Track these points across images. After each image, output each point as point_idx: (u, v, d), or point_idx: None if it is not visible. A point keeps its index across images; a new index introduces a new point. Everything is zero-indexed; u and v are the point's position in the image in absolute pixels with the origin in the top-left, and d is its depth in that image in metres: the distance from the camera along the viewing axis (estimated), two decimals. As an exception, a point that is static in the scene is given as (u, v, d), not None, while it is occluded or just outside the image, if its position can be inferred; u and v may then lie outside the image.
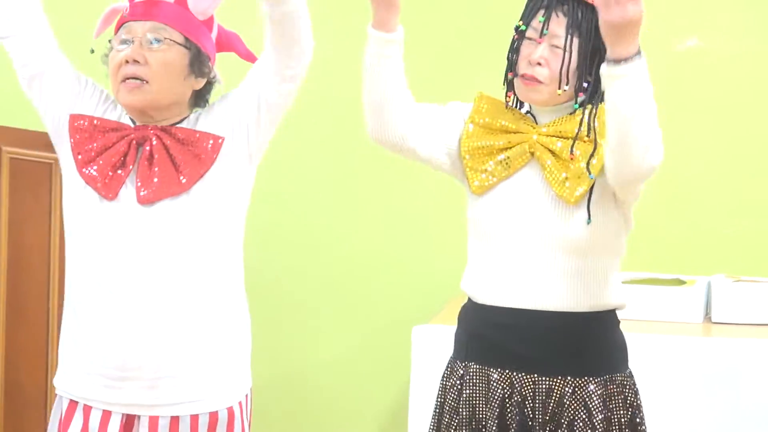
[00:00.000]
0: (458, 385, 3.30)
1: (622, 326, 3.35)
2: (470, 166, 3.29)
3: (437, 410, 3.35)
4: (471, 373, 3.28)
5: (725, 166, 5.26)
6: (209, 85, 3.47)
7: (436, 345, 4.52)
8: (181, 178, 3.34)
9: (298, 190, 5.62)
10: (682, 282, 4.91)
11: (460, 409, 3.28)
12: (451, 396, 3.30)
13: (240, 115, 3.41)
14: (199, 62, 3.43)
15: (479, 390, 3.26)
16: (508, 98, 3.29)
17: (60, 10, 4.70)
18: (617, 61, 2.96)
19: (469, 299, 3.32)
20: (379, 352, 5.57)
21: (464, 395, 3.28)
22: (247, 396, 3.47)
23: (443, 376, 3.36)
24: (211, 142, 3.37)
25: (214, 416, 3.36)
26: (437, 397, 3.36)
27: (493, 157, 3.27)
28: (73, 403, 3.40)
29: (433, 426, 3.36)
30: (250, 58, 3.53)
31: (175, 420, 3.35)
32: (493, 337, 3.25)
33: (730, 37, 5.28)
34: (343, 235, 5.69)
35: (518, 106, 3.31)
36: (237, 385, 3.44)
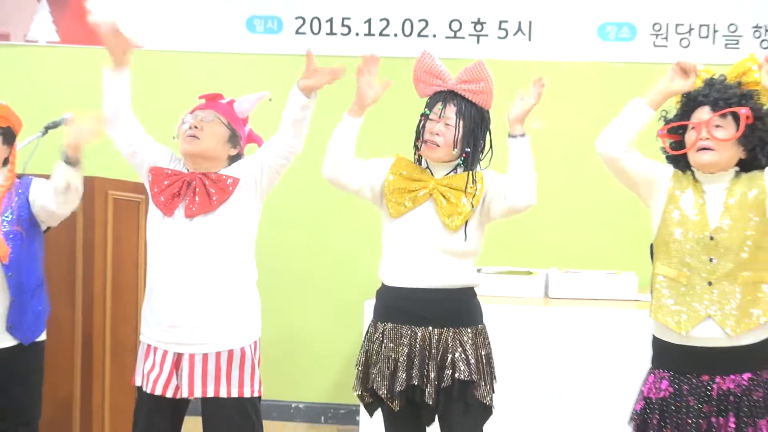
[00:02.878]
0: (380, 337, 3.35)
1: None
2: (391, 199, 3.35)
3: (364, 353, 3.40)
4: (388, 329, 3.33)
5: (561, 201, 5.34)
6: (238, 156, 3.59)
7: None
8: (213, 200, 3.43)
9: (285, 213, 5.56)
10: (530, 273, 5.03)
11: (381, 352, 3.32)
12: (375, 344, 3.36)
13: (250, 170, 3.50)
14: (234, 138, 3.56)
15: (394, 339, 3.31)
16: (416, 156, 3.40)
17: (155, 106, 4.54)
18: (515, 137, 3.22)
19: (383, 284, 3.41)
20: (342, 317, 5.59)
21: (384, 343, 3.32)
22: (256, 342, 3.52)
23: (368, 332, 3.41)
24: (231, 180, 3.47)
25: (231, 353, 3.42)
26: (363, 345, 3.42)
27: (406, 194, 3.34)
28: (148, 346, 3.49)
29: (361, 362, 3.40)
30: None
31: (205, 356, 3.41)
32: (400, 306, 3.32)
33: (563, 120, 5.36)
34: (321, 242, 5.75)
35: (420, 163, 3.41)
36: (247, 334, 3.49)
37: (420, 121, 3.37)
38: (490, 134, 3.40)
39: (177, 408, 3.48)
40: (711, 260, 3.02)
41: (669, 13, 5.50)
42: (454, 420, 3.28)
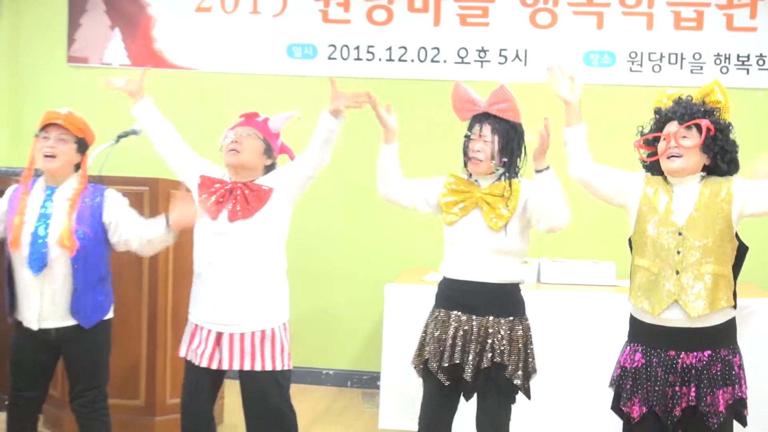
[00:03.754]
0: (435, 321, 3.39)
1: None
2: (445, 211, 3.39)
3: (424, 332, 3.44)
4: (441, 314, 3.37)
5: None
6: (273, 165, 3.58)
7: (398, 295, 4.69)
8: (252, 208, 3.42)
9: (320, 212, 5.62)
10: (526, 262, 4.53)
11: (435, 332, 3.35)
12: (431, 326, 3.39)
13: (283, 180, 3.49)
14: (269, 151, 3.54)
15: (444, 322, 3.34)
16: (467, 170, 3.39)
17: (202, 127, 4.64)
18: (540, 171, 3.19)
19: (443, 276, 3.43)
20: (366, 298, 5.63)
21: (438, 325, 3.36)
22: (284, 324, 3.53)
23: (429, 315, 3.44)
24: (266, 189, 3.45)
25: (263, 333, 3.43)
26: (424, 327, 3.45)
27: (456, 205, 3.37)
28: (195, 326, 3.51)
29: (421, 340, 3.43)
30: (292, 158, 3.64)
31: (242, 335, 3.42)
32: (452, 295, 3.36)
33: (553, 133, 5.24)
34: (345, 235, 5.79)
35: (470, 176, 3.40)
36: (277, 317, 3.50)
37: (464, 142, 3.41)
38: (524, 143, 3.40)
39: (217, 374, 3.52)
40: (678, 252, 3.03)
41: (643, 44, 5.52)
42: (489, 396, 3.33)
